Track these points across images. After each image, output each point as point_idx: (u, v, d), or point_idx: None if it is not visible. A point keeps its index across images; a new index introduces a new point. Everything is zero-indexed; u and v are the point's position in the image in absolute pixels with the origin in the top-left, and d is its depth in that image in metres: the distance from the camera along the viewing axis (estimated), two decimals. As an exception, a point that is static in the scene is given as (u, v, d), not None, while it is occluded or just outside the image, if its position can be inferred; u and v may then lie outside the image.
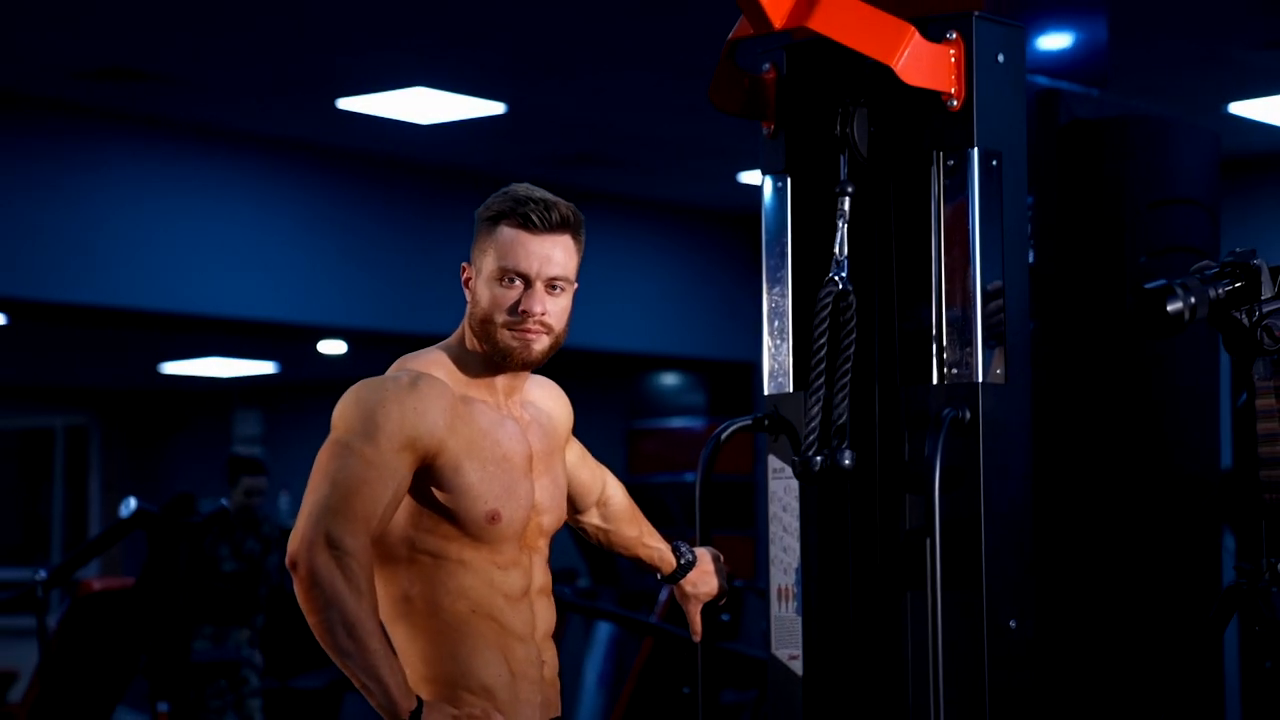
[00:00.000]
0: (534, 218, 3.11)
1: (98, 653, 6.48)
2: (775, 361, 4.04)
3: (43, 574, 6.35)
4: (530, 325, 3.12)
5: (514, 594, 3.15)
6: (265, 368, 15.54)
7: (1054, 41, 5.62)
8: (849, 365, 3.83)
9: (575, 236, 3.17)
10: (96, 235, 9.60)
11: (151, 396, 17.87)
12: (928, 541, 3.64)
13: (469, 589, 3.10)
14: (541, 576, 3.22)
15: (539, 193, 3.15)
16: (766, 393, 4.05)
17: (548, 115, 9.82)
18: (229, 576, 9.09)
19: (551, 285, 3.14)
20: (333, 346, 12.93)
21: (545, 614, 3.22)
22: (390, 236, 10.85)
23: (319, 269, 10.55)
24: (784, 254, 4.03)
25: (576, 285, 3.19)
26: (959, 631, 3.71)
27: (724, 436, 4.00)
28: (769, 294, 4.04)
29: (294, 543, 2.96)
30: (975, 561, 3.72)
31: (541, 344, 3.14)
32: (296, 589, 2.95)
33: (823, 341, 3.84)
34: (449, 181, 10.98)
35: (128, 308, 9.91)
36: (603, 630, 9.93)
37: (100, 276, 9.62)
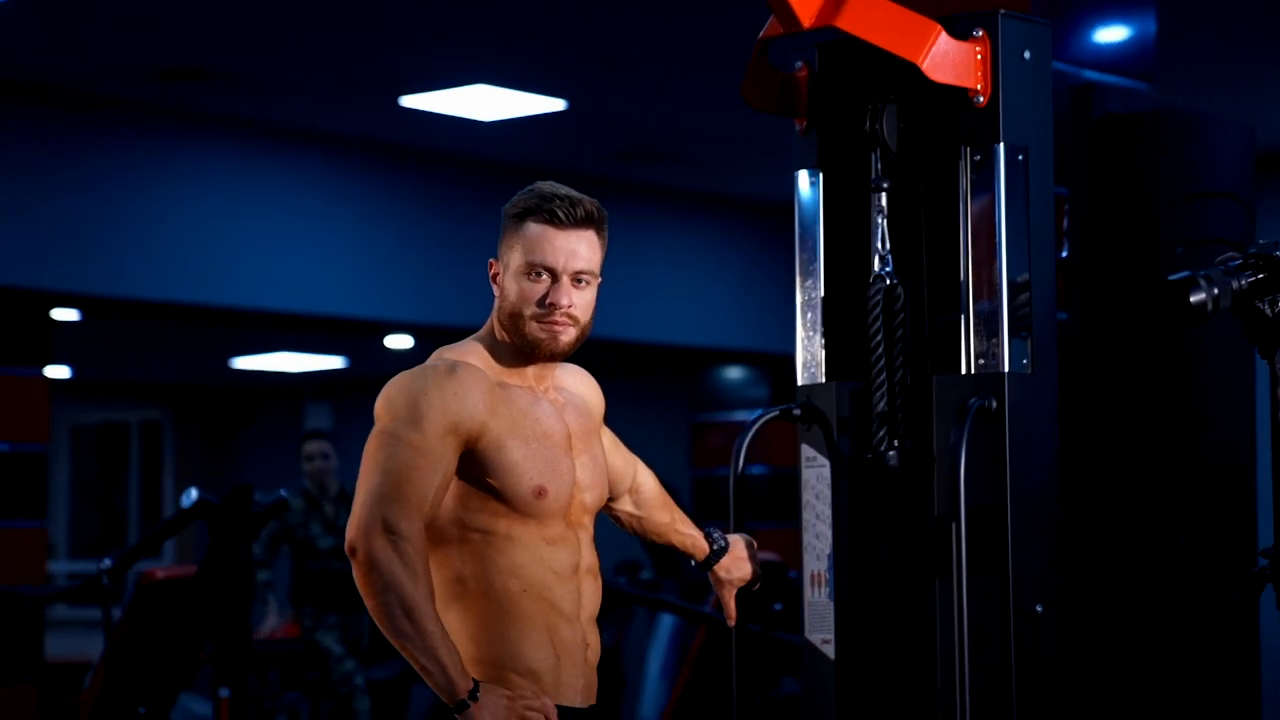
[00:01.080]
0: (560, 213, 3.21)
1: (161, 640, 6.58)
2: (808, 352, 4.12)
3: (108, 562, 6.48)
4: (558, 317, 3.22)
5: (563, 571, 3.23)
6: (334, 362, 15.65)
7: (1103, 36, 5.65)
8: (902, 358, 3.92)
9: (599, 232, 3.27)
10: (167, 232, 9.71)
11: (223, 392, 18.03)
12: (953, 527, 3.72)
13: (520, 566, 3.19)
14: (589, 556, 3.30)
15: (564, 190, 3.25)
16: (799, 383, 4.11)
17: (609, 111, 9.86)
18: (328, 554, 9.08)
19: (577, 279, 3.23)
20: (399, 341, 13.03)
21: (591, 594, 3.29)
22: (453, 232, 10.91)
23: (384, 265, 10.65)
24: (816, 248, 4.11)
25: (600, 279, 3.28)
26: (986, 616, 3.77)
27: (756, 426, 4.05)
28: (802, 287, 4.12)
29: (351, 530, 3.07)
30: (1002, 547, 3.79)
31: (568, 335, 3.24)
32: (355, 574, 3.06)
33: (879, 339, 3.93)
34: (511, 177, 10.96)
35: (198, 304, 10.01)
36: (666, 621, 9.96)
37: (171, 273, 9.73)
